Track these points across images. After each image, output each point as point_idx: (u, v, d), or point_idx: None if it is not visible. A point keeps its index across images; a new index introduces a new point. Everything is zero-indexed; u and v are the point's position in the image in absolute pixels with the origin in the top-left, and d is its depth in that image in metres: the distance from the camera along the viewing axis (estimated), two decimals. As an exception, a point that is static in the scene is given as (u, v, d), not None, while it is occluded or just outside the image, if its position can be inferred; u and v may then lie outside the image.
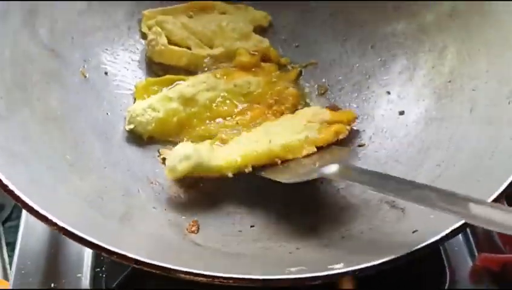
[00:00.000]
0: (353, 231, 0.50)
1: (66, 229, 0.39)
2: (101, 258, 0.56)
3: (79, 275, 0.56)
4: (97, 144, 0.56)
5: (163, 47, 0.63)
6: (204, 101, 0.61)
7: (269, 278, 0.37)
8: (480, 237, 0.62)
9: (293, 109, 0.63)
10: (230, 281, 0.37)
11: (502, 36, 0.56)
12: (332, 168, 0.48)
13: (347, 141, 0.62)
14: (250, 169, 0.54)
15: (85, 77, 0.61)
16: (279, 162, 0.55)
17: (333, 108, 0.63)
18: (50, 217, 0.39)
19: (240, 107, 0.62)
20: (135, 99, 0.62)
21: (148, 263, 0.38)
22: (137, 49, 0.66)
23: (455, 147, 0.54)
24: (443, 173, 0.52)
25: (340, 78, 0.66)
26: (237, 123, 0.60)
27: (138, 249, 0.42)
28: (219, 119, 0.61)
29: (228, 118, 0.61)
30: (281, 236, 0.51)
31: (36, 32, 0.58)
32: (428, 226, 0.44)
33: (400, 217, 0.50)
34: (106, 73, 0.63)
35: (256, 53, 0.66)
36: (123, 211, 0.50)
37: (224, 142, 0.57)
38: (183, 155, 0.52)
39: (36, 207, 0.40)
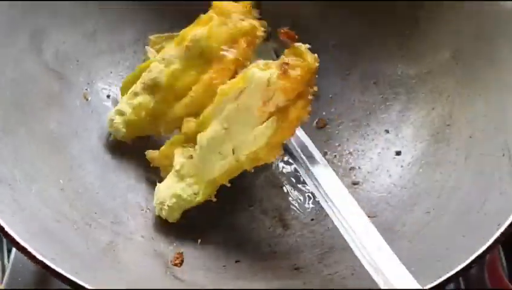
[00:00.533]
0: (335, 275, 0.50)
1: (45, 264, 0.40)
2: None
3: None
4: (92, 168, 0.57)
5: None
6: (165, 82, 0.57)
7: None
8: (470, 283, 0.62)
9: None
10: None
11: (502, 81, 0.55)
12: None
13: (342, 177, 0.62)
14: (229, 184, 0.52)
15: (87, 100, 0.62)
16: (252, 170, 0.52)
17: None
18: (30, 249, 0.40)
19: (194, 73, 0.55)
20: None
21: None
22: (141, 73, 0.66)
23: (446, 195, 0.53)
24: (431, 222, 0.52)
25: (339, 113, 0.66)
26: (192, 97, 0.55)
27: (118, 284, 0.42)
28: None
29: (188, 95, 0.55)
30: (263, 275, 0.51)
31: (41, 53, 0.59)
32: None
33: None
34: (108, 96, 0.64)
35: None
36: (109, 240, 0.50)
37: (187, 141, 0.54)
38: (168, 209, 0.53)
39: (17, 238, 0.41)
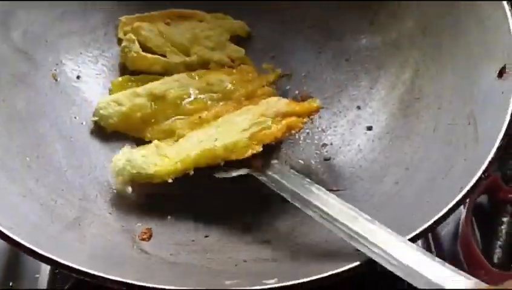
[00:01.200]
0: (302, 245, 0.50)
1: (9, 237, 0.39)
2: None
3: (37, 275, 0.57)
4: (60, 146, 0.57)
5: (135, 54, 0.64)
6: (173, 98, 0.60)
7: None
8: (443, 256, 0.62)
9: None
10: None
11: (469, 55, 0.55)
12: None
13: (314, 153, 0.62)
14: (192, 172, 0.53)
15: (56, 80, 0.61)
16: (221, 163, 0.53)
17: (302, 97, 0.63)
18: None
19: (210, 103, 0.60)
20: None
21: (79, 270, 0.38)
22: (112, 54, 0.66)
23: (415, 166, 0.54)
24: (400, 191, 0.52)
25: (312, 90, 0.66)
26: (200, 118, 0.59)
27: (79, 256, 0.42)
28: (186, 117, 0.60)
29: (194, 115, 0.59)
30: (231, 248, 0.51)
31: (9, 34, 0.58)
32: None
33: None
34: (78, 77, 0.63)
35: (232, 64, 0.66)
36: (75, 216, 0.50)
37: (180, 138, 0.56)
38: (118, 169, 0.53)
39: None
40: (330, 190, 0.56)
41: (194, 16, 0.69)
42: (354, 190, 0.56)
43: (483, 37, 0.54)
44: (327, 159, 0.61)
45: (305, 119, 0.55)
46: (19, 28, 0.59)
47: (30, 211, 0.47)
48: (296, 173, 0.52)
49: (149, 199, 0.56)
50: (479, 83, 0.53)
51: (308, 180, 0.51)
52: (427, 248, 0.63)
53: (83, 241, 0.47)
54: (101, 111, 0.59)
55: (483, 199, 0.64)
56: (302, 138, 0.63)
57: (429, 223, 0.41)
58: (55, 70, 0.62)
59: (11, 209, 0.45)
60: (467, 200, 0.61)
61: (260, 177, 0.53)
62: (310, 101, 0.57)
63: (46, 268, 0.57)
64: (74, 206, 0.52)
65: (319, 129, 0.64)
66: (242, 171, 0.54)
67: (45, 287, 0.56)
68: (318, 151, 0.62)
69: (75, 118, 0.61)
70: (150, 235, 0.51)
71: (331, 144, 0.62)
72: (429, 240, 0.64)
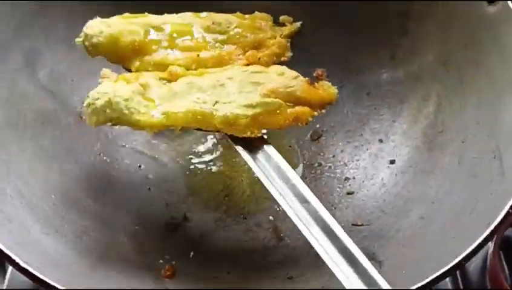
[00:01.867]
0: (331, 281, 0.49)
1: (30, 273, 0.40)
2: None
3: None
4: (85, 184, 0.57)
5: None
6: (171, 31, 0.53)
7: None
8: (471, 287, 0.60)
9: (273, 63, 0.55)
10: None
11: (493, 88, 0.55)
12: None
13: (337, 187, 0.61)
14: (179, 131, 0.48)
15: (81, 118, 0.62)
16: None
17: (319, 76, 0.60)
18: (14, 257, 0.40)
19: (212, 44, 0.53)
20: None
21: None
22: (135, 91, 0.67)
23: (440, 200, 0.53)
24: (425, 226, 0.51)
25: (333, 124, 0.66)
26: (198, 56, 0.52)
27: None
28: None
29: (192, 53, 0.52)
30: (257, 284, 0.50)
31: (35, 73, 0.60)
32: (396, 282, 0.42)
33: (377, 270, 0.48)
34: (102, 114, 0.64)
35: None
36: (101, 252, 0.50)
37: (172, 77, 0.49)
38: (95, 108, 0.47)
39: (4, 249, 0.41)
40: (354, 225, 0.56)
41: None
42: (379, 225, 0.55)
43: (506, 68, 0.54)
44: (349, 193, 0.61)
45: (316, 113, 0.51)
46: (45, 68, 0.61)
47: (54, 249, 0.47)
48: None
49: (170, 235, 0.56)
50: (503, 116, 0.52)
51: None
52: (454, 283, 0.61)
53: (108, 281, 0.47)
54: (86, 30, 0.52)
55: (510, 232, 0.63)
56: (324, 171, 0.63)
57: (458, 260, 0.41)
58: (81, 108, 0.63)
59: (35, 247, 0.46)
60: (495, 235, 0.60)
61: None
62: (327, 87, 0.53)
63: None
64: (97, 243, 0.52)
65: (341, 163, 0.64)
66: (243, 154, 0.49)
67: None
68: (340, 185, 0.62)
69: (99, 154, 0.61)
70: (174, 273, 0.51)
71: (353, 177, 0.62)
72: (456, 275, 0.62)
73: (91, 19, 0.63)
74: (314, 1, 0.67)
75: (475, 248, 0.41)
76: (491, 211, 0.44)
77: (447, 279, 0.62)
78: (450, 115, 0.59)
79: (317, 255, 0.48)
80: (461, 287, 0.61)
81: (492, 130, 0.53)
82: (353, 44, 0.67)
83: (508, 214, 0.43)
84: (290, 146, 0.66)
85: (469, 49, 0.58)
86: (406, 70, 0.64)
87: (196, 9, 0.57)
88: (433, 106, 0.61)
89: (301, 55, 0.68)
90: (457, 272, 0.62)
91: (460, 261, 0.40)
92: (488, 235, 0.42)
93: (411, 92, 0.63)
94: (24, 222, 0.47)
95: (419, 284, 0.40)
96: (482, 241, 0.42)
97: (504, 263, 0.61)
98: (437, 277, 0.40)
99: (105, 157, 0.62)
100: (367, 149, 0.64)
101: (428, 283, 0.40)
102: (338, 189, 0.61)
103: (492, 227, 0.42)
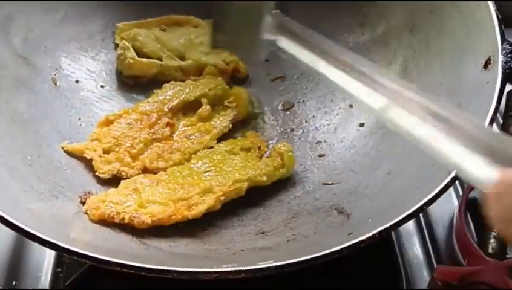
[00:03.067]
0: (298, 235, 0.51)
1: (13, 224, 0.41)
2: (62, 258, 0.58)
3: (39, 274, 0.58)
4: (60, 147, 0.58)
5: (131, 60, 0.65)
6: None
7: (194, 271, 0.38)
8: (439, 249, 0.63)
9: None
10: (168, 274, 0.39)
11: (455, 50, 0.57)
12: None
13: (308, 150, 0.63)
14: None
15: (56, 84, 0.63)
16: None
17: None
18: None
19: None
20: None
21: (98, 259, 0.39)
22: (110, 59, 0.68)
23: (405, 157, 0.55)
24: (392, 181, 0.53)
25: (305, 91, 0.68)
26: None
27: (81, 243, 0.43)
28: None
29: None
30: (229, 239, 0.52)
31: (9, 40, 0.60)
32: (363, 229, 0.44)
33: (344, 222, 0.51)
34: (77, 81, 0.65)
35: (227, 66, 0.68)
36: (76, 211, 0.51)
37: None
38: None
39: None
40: (325, 184, 0.58)
41: (189, 22, 0.71)
42: (348, 183, 0.57)
43: (468, 31, 0.56)
44: (321, 156, 0.63)
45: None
46: (19, 34, 0.61)
47: (32, 205, 0.48)
48: None
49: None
50: (465, 75, 0.54)
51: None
52: (422, 241, 0.64)
53: (83, 232, 0.48)
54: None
55: (477, 192, 0.66)
56: (297, 137, 0.65)
57: (420, 204, 0.43)
58: (54, 74, 0.64)
59: (13, 202, 0.47)
60: (460, 194, 0.63)
61: None
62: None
63: (48, 267, 0.58)
64: (74, 202, 0.53)
65: (313, 128, 0.66)
66: None
67: (47, 287, 0.56)
68: (312, 149, 0.63)
69: (74, 120, 0.62)
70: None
71: (325, 141, 0.64)
72: (424, 234, 0.65)
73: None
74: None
75: (436, 193, 0.43)
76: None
77: (416, 238, 0.64)
78: (417, 77, 0.61)
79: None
80: (429, 246, 0.63)
81: (454, 89, 0.55)
82: (324, 11, 0.69)
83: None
84: (263, 113, 0.67)
85: (434, 14, 0.60)
86: (373, 35, 0.66)
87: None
88: (400, 69, 0.63)
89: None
90: (425, 231, 0.65)
91: (421, 206, 0.43)
92: (448, 182, 0.44)
93: (379, 56, 0.65)
94: (1, 179, 0.48)
95: (384, 227, 0.41)
96: (443, 187, 0.44)
97: (471, 222, 0.64)
98: (400, 219, 0.42)
99: (79, 123, 0.62)
100: (337, 114, 0.65)
101: (392, 225, 0.42)
102: (310, 152, 0.63)
103: (452, 174, 0.44)
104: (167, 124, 0.60)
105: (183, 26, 0.71)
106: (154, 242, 0.50)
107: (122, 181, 0.55)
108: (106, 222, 0.51)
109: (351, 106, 0.65)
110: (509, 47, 0.52)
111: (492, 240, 0.61)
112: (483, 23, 0.54)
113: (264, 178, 0.56)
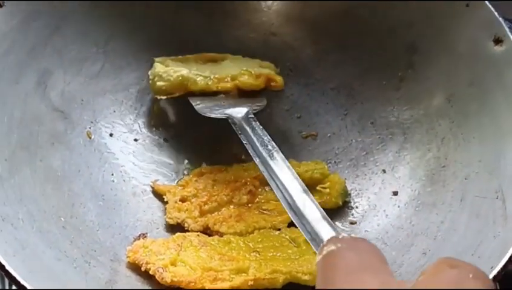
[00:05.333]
0: None
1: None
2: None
3: None
4: (93, 206, 0.58)
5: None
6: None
7: None
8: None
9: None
10: None
11: (496, 125, 0.56)
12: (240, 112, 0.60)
13: (340, 216, 0.63)
14: None
15: (90, 138, 0.63)
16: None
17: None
18: (29, 288, 0.41)
19: None
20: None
21: None
22: (144, 112, 0.68)
23: (442, 236, 0.54)
24: (427, 263, 0.52)
25: (337, 152, 0.67)
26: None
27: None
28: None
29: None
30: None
31: (47, 94, 0.61)
32: None
33: None
34: (111, 135, 0.65)
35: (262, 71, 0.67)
36: (108, 278, 0.51)
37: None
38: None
39: (17, 277, 0.41)
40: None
41: (225, 58, 0.70)
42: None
43: (509, 108, 0.55)
44: (352, 223, 0.62)
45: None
46: (56, 88, 0.62)
47: (65, 275, 0.48)
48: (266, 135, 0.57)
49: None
50: (506, 156, 0.54)
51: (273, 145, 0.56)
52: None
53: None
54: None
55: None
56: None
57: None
58: (89, 128, 0.64)
59: (47, 273, 0.46)
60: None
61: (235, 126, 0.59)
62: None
63: None
64: (106, 268, 0.52)
65: (346, 192, 0.65)
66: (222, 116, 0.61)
67: None
68: (343, 214, 0.63)
69: (107, 175, 0.62)
70: None
71: (356, 207, 0.63)
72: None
73: (103, 39, 0.65)
74: (323, 31, 0.69)
75: None
76: (494, 255, 0.45)
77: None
78: (453, 150, 0.60)
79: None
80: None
81: (495, 169, 0.54)
82: (359, 74, 0.69)
83: (510, 260, 0.44)
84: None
85: (474, 86, 0.60)
86: (410, 103, 0.65)
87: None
88: (436, 139, 0.62)
89: (303, 84, 0.70)
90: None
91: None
92: (491, 279, 0.43)
93: (415, 125, 0.64)
94: (36, 247, 0.48)
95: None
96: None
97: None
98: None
99: (111, 179, 0.62)
100: (370, 179, 0.65)
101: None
102: (341, 218, 0.62)
103: (495, 272, 0.43)
104: (249, 192, 0.60)
105: (219, 63, 0.70)
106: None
107: (176, 234, 0.56)
108: (138, 269, 0.53)
109: (384, 171, 0.65)
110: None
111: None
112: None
113: (307, 277, 0.53)
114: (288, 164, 0.53)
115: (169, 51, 0.68)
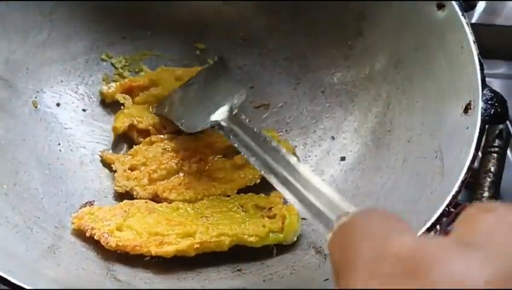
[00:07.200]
0: (274, 275, 0.51)
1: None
2: None
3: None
4: (38, 174, 0.57)
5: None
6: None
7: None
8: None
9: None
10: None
11: (438, 89, 0.57)
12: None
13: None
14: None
15: (36, 107, 0.62)
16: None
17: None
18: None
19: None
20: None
21: None
22: (93, 82, 0.67)
23: (384, 196, 0.55)
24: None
25: (288, 121, 0.68)
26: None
27: (52, 283, 0.43)
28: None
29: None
30: (204, 277, 0.52)
31: (-10, 62, 0.60)
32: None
33: (321, 263, 0.51)
34: (58, 104, 0.64)
35: None
36: (50, 244, 0.51)
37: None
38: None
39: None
40: (303, 219, 0.58)
41: None
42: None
43: (451, 74, 0.56)
44: (301, 189, 0.62)
45: None
46: (0, 56, 0.60)
47: (5, 239, 0.47)
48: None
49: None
50: (447, 118, 0.55)
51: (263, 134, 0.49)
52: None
53: (56, 270, 0.47)
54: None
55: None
56: (278, 167, 0.64)
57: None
58: (35, 97, 0.63)
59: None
60: (438, 229, 0.63)
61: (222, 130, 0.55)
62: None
63: None
64: (49, 234, 0.52)
65: (294, 159, 0.65)
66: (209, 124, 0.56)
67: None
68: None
69: (53, 145, 0.61)
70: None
71: (305, 172, 0.64)
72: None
73: (49, 6, 0.64)
74: (274, 1, 0.69)
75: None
76: (429, 209, 0.46)
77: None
78: (398, 115, 0.61)
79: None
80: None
81: (435, 130, 0.55)
82: (311, 43, 0.69)
83: (443, 213, 0.45)
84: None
85: (419, 52, 0.60)
86: (358, 71, 0.66)
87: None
88: (382, 105, 0.63)
89: (256, 55, 0.70)
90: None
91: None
92: (424, 232, 0.44)
93: (362, 91, 0.65)
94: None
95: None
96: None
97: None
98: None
99: (59, 148, 0.61)
100: (319, 146, 0.65)
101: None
102: (290, 184, 0.63)
103: (428, 225, 0.44)
104: (199, 160, 0.60)
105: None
106: (128, 279, 0.50)
107: (124, 201, 0.56)
108: (83, 236, 0.52)
109: (333, 138, 0.65)
110: (489, 93, 0.52)
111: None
112: (466, 67, 0.54)
113: (253, 239, 0.53)
114: (286, 152, 0.44)
115: (118, 20, 0.68)
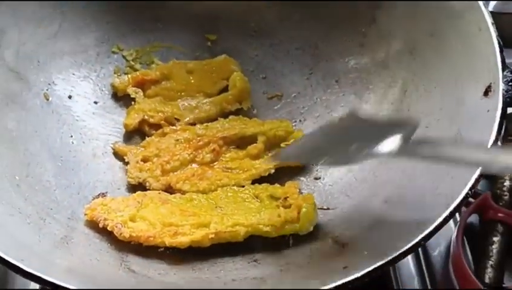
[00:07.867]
0: (291, 264, 0.50)
1: None
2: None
3: None
4: (50, 166, 0.57)
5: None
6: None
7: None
8: (435, 277, 0.62)
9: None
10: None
11: (455, 75, 0.56)
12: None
13: (305, 172, 0.62)
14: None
15: (48, 100, 0.62)
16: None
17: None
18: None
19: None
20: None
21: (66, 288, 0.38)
22: (104, 74, 0.67)
23: (403, 185, 0.54)
24: (389, 210, 0.52)
25: (302, 111, 0.67)
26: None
27: (66, 274, 0.42)
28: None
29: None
30: (220, 268, 0.51)
31: (1, 54, 0.59)
32: (358, 263, 0.43)
33: (339, 252, 0.49)
34: (70, 97, 0.64)
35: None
36: (63, 235, 0.50)
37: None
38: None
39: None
40: (320, 209, 0.56)
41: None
42: (344, 209, 0.56)
43: (469, 57, 0.55)
44: (317, 178, 0.61)
45: None
46: (10, 47, 0.60)
47: (17, 230, 0.47)
48: None
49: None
50: (465, 102, 0.53)
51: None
52: (418, 268, 0.63)
53: (70, 260, 0.46)
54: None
55: (473, 218, 0.64)
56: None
57: (417, 239, 0.41)
58: (47, 90, 0.62)
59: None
60: (458, 220, 0.62)
61: None
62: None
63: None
64: (62, 225, 0.51)
65: (310, 149, 0.64)
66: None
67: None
68: (308, 171, 0.62)
69: (65, 137, 0.61)
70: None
71: (321, 163, 0.62)
72: (420, 260, 0.64)
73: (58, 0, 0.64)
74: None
75: (435, 228, 0.42)
76: (451, 194, 0.45)
77: (411, 264, 0.63)
78: (415, 101, 0.60)
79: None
80: (425, 272, 0.62)
81: (454, 115, 0.54)
82: (323, 31, 0.68)
83: (466, 196, 0.44)
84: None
85: (434, 37, 0.59)
86: (373, 57, 0.65)
87: None
88: (398, 92, 0.62)
89: (268, 45, 0.69)
90: (422, 257, 0.63)
91: (419, 241, 0.41)
92: (447, 215, 0.43)
93: (378, 79, 0.64)
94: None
95: (379, 263, 0.40)
96: (442, 221, 0.43)
97: (467, 248, 0.62)
98: (397, 255, 0.41)
99: (71, 140, 0.61)
100: (335, 135, 0.64)
101: (388, 261, 0.41)
102: (306, 173, 0.62)
103: (451, 208, 0.43)
104: (213, 150, 0.59)
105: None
106: (142, 269, 0.49)
107: (137, 192, 0.55)
108: (97, 227, 0.52)
109: (348, 127, 0.64)
110: (510, 75, 0.51)
111: (489, 269, 0.60)
112: (484, 49, 0.53)
113: (268, 229, 0.52)
114: None
115: (129, 12, 0.67)
